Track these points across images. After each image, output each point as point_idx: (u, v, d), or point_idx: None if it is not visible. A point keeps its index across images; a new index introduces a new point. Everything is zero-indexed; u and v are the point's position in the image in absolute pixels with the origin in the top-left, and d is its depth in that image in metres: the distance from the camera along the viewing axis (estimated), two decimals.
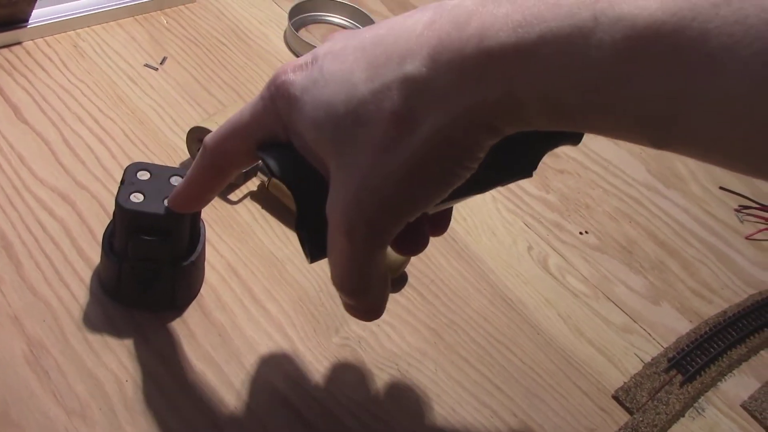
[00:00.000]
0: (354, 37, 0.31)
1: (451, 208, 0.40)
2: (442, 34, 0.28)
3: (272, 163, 0.33)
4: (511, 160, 0.36)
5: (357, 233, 0.31)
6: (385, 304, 0.36)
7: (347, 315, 0.47)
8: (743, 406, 0.54)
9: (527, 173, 0.37)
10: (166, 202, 0.41)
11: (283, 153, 0.33)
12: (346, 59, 0.30)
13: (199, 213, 0.44)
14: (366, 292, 0.34)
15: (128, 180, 0.41)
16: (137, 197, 0.41)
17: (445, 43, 0.28)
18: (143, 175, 0.41)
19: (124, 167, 0.54)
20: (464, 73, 0.27)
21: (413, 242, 0.37)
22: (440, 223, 0.39)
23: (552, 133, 0.36)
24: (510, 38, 0.26)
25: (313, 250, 0.34)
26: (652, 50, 0.24)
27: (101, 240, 0.45)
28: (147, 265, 0.44)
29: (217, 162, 0.36)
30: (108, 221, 0.50)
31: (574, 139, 0.37)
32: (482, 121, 0.28)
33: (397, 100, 0.28)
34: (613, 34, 0.24)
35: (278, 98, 0.32)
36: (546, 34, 0.25)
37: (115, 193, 0.52)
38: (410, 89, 0.28)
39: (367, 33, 0.31)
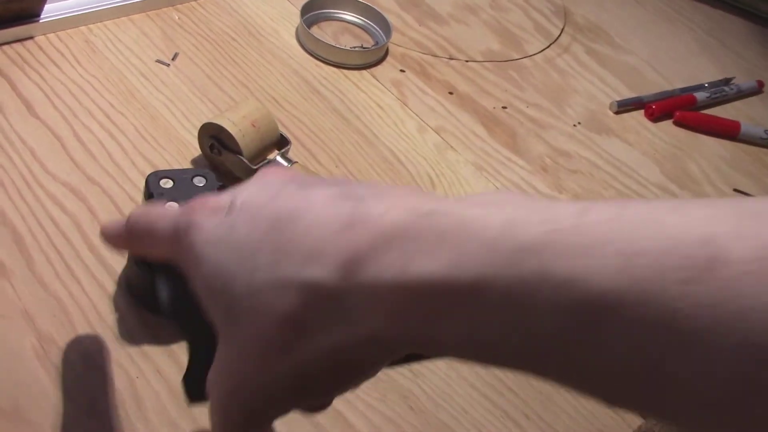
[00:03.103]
0: (275, 200, 0.28)
1: None
2: (357, 248, 0.25)
3: (164, 299, 0.31)
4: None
5: (233, 417, 0.29)
6: None
7: None
8: None
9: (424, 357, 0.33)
10: None
11: (179, 289, 0.31)
12: (257, 227, 0.28)
13: None
14: None
15: (156, 191, 0.40)
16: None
17: (362, 260, 0.25)
18: (166, 183, 0.41)
19: (136, 164, 0.54)
20: (377, 299, 0.24)
21: (315, 408, 0.35)
22: None
23: None
24: (435, 275, 0.23)
25: (194, 394, 0.33)
26: (611, 321, 0.21)
27: (126, 255, 0.45)
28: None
29: (133, 240, 0.34)
30: (119, 217, 0.50)
31: None
32: (390, 348, 0.26)
33: (293, 303, 0.26)
34: (562, 297, 0.21)
35: (183, 239, 0.30)
36: (480, 280, 0.23)
37: (126, 188, 0.52)
38: (309, 296, 0.25)
39: (285, 201, 0.28)
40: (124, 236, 0.34)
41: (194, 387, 0.32)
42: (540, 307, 0.22)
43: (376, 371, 0.28)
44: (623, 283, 0.21)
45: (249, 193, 0.29)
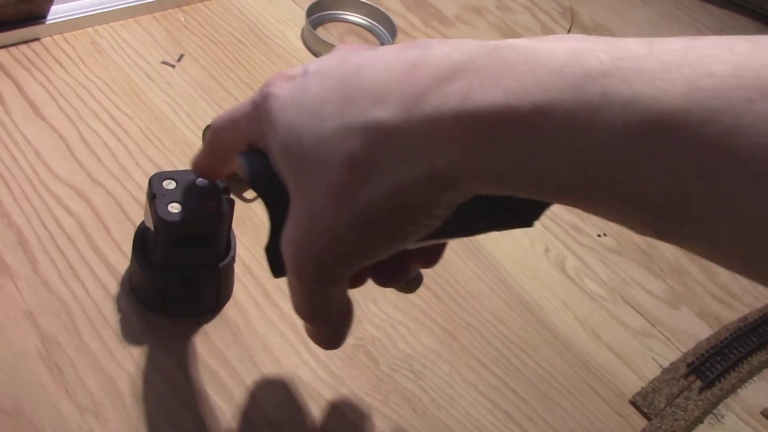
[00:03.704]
0: (346, 60, 0.29)
1: (445, 244, 0.37)
2: (420, 85, 0.25)
3: (246, 169, 0.32)
4: (509, 208, 0.33)
5: (304, 272, 0.30)
6: (345, 336, 0.35)
7: (362, 314, 0.47)
8: (763, 414, 0.53)
9: (527, 223, 0.33)
10: (205, 206, 0.40)
11: (261, 162, 0.32)
12: (326, 85, 0.29)
13: (232, 209, 0.43)
14: (321, 323, 0.33)
15: (158, 192, 0.40)
16: (175, 207, 0.40)
17: (423, 95, 0.25)
18: (169, 184, 0.41)
19: (141, 165, 0.54)
20: (438, 131, 0.25)
21: (391, 274, 0.35)
22: (429, 257, 0.37)
23: None
24: (499, 102, 0.23)
25: (277, 266, 0.33)
26: (672, 141, 0.21)
27: (130, 256, 0.45)
28: (196, 272, 0.44)
29: (217, 145, 0.36)
30: (123, 218, 0.50)
31: None
32: (448, 184, 0.26)
33: (358, 144, 0.26)
34: (626, 116, 0.21)
35: (261, 108, 0.31)
36: (544, 105, 0.23)
37: (131, 189, 0.52)
38: (373, 136, 0.26)
39: (355, 59, 0.29)
40: (212, 144, 0.36)
41: (276, 258, 0.32)
42: (602, 128, 0.22)
43: (437, 220, 0.28)
44: (688, 103, 0.21)
45: (321, 60, 0.31)
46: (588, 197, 0.24)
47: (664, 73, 0.21)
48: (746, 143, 0.20)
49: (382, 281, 0.35)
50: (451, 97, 0.24)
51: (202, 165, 0.39)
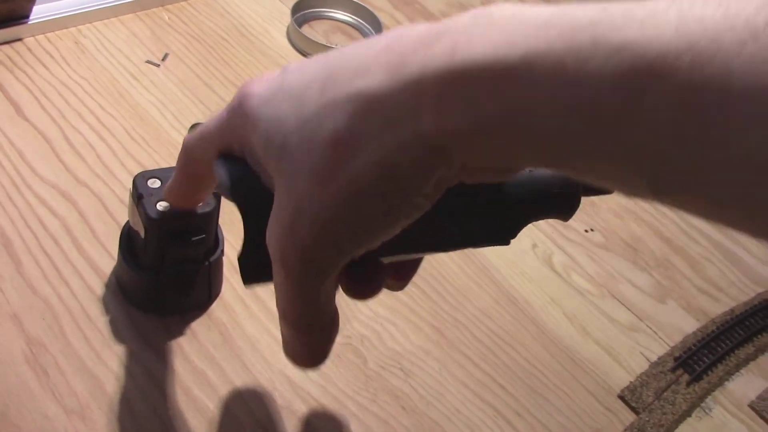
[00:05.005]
0: (326, 53, 0.29)
1: (420, 260, 0.36)
2: (405, 50, 0.25)
3: (223, 176, 0.31)
4: (487, 224, 0.32)
5: (291, 262, 0.28)
6: (329, 348, 0.33)
7: (350, 312, 0.47)
8: (751, 406, 0.54)
9: (503, 241, 0.33)
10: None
11: (238, 167, 0.31)
12: (306, 73, 0.28)
13: (219, 204, 0.43)
14: (309, 329, 0.31)
15: (145, 192, 0.40)
16: (163, 206, 0.40)
17: (408, 58, 0.25)
18: (154, 183, 0.41)
19: (126, 165, 0.54)
20: (424, 91, 0.24)
21: (362, 286, 0.33)
22: (402, 272, 0.36)
23: (540, 205, 0.33)
24: (487, 56, 0.23)
25: (249, 274, 0.32)
26: (664, 86, 0.20)
27: (116, 256, 0.45)
28: (188, 267, 0.43)
29: (189, 166, 0.35)
30: (109, 219, 0.50)
31: (564, 212, 0.33)
32: (437, 150, 0.25)
33: (341, 119, 0.26)
34: (617, 63, 0.21)
35: (238, 110, 0.30)
36: (532, 55, 0.22)
37: (116, 190, 0.52)
38: (357, 107, 0.25)
39: (336, 51, 0.29)
40: (186, 167, 0.35)
41: (249, 266, 0.32)
42: (592, 77, 0.21)
43: (426, 200, 0.27)
44: (679, 46, 0.20)
45: (298, 60, 0.31)
46: (581, 154, 0.23)
47: (653, 19, 0.21)
48: (740, 84, 0.20)
49: (354, 291, 0.33)
50: (435, 56, 0.24)
51: (177, 193, 0.38)
